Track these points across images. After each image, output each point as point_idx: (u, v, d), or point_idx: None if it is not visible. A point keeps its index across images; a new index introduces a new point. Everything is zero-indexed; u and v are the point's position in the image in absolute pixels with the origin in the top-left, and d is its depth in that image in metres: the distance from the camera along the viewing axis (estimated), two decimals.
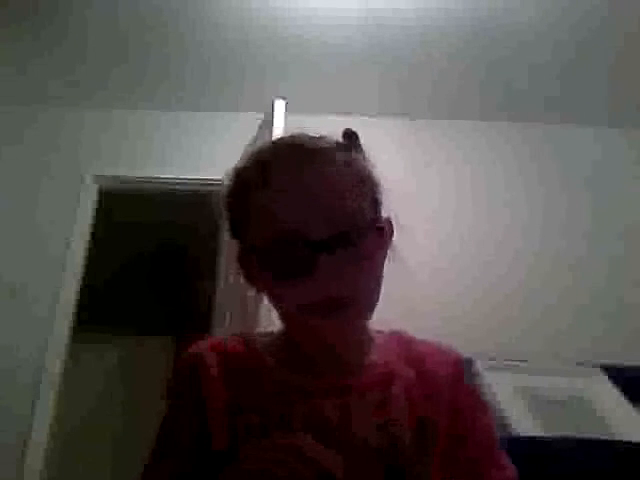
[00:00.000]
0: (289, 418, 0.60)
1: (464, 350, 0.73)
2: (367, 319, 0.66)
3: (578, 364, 1.95)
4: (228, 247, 2.03)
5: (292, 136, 0.68)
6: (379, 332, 0.71)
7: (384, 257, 0.66)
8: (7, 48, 2.46)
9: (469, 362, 1.67)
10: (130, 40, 2.44)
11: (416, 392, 0.64)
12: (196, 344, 0.69)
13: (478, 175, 2.75)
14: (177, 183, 2.71)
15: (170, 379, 0.68)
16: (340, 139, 0.68)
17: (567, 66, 2.49)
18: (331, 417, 0.60)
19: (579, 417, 1.69)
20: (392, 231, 0.67)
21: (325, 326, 0.61)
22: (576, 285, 2.50)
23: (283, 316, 0.67)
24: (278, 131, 1.90)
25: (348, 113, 2.62)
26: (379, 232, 0.64)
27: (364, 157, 0.68)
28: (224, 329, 2.07)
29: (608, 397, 1.77)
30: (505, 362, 1.86)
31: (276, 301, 0.65)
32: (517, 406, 1.68)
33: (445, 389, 0.65)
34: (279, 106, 2.02)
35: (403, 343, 0.70)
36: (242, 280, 0.69)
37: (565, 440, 1.48)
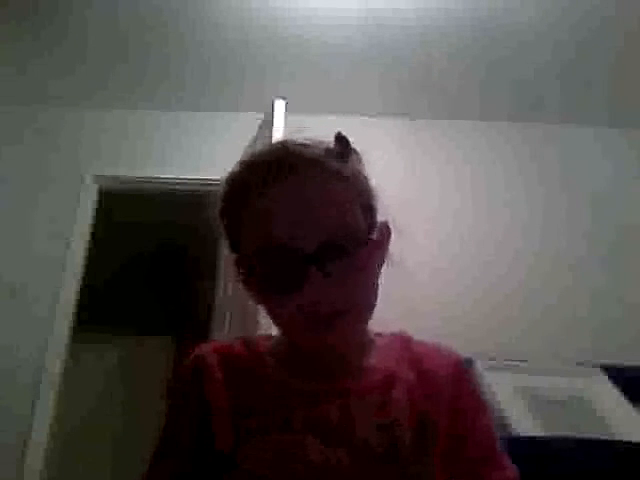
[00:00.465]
0: (290, 420, 0.60)
1: (464, 350, 0.73)
2: (364, 325, 0.66)
3: (578, 364, 1.95)
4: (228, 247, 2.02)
5: (282, 145, 0.65)
6: (379, 334, 0.71)
7: (380, 263, 0.65)
8: (7, 48, 2.46)
9: (469, 362, 1.67)
10: (130, 40, 2.44)
11: (417, 393, 0.64)
12: (199, 347, 0.69)
13: (478, 175, 2.75)
14: (177, 183, 2.71)
15: (170, 379, 0.69)
16: (333, 143, 0.66)
17: (567, 66, 2.49)
18: (331, 418, 0.60)
19: (579, 417, 1.69)
20: (389, 235, 0.66)
21: (319, 340, 0.61)
22: (576, 285, 2.50)
23: (278, 326, 0.66)
24: (278, 131, 1.90)
25: (348, 113, 2.62)
26: (374, 239, 0.63)
27: (358, 161, 0.67)
28: (224, 329, 2.07)
29: (608, 397, 1.77)
30: (505, 362, 1.86)
31: (270, 314, 0.65)
32: (517, 406, 1.68)
33: (445, 389, 0.65)
34: (279, 106, 2.02)
35: (403, 344, 0.70)
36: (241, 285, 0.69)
37: (565, 440, 1.48)
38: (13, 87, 2.69)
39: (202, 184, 2.53)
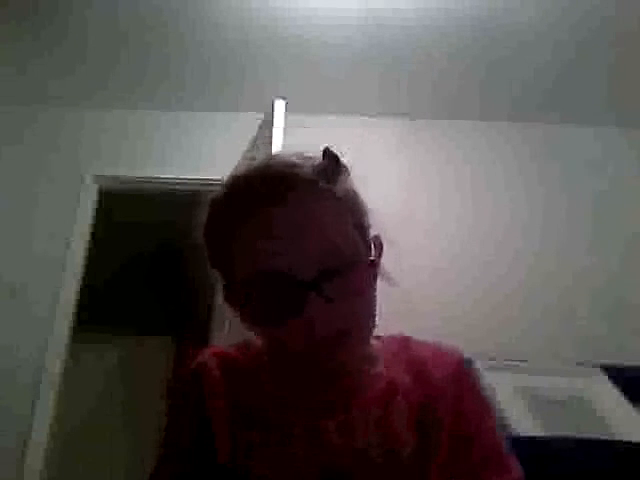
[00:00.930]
0: (290, 434, 0.60)
1: (464, 350, 0.72)
2: (366, 343, 0.65)
3: (578, 364, 1.95)
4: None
5: (270, 166, 0.63)
6: (377, 337, 0.70)
7: (375, 279, 0.63)
8: (7, 48, 2.46)
9: (469, 362, 1.67)
10: (130, 40, 2.44)
11: (413, 397, 0.64)
12: (200, 353, 0.68)
13: (478, 175, 2.75)
14: (177, 183, 2.71)
15: (170, 380, 0.69)
16: (321, 159, 0.63)
17: (567, 66, 2.49)
18: (332, 432, 0.60)
19: (579, 417, 1.69)
20: (382, 249, 0.65)
21: (320, 366, 0.59)
22: (576, 285, 2.50)
23: (274, 350, 0.65)
24: (278, 131, 1.90)
25: (348, 113, 2.62)
26: (369, 258, 0.61)
27: (347, 176, 0.64)
28: (224, 329, 2.07)
29: (608, 397, 1.77)
30: (505, 362, 1.86)
31: (265, 340, 0.64)
32: (517, 406, 1.68)
33: (447, 390, 0.65)
34: (279, 106, 2.02)
35: (402, 347, 0.70)
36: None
37: (565, 440, 1.48)
38: (13, 87, 2.69)
39: (202, 184, 2.53)
